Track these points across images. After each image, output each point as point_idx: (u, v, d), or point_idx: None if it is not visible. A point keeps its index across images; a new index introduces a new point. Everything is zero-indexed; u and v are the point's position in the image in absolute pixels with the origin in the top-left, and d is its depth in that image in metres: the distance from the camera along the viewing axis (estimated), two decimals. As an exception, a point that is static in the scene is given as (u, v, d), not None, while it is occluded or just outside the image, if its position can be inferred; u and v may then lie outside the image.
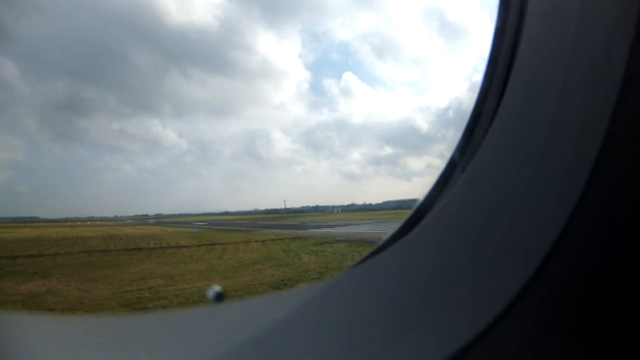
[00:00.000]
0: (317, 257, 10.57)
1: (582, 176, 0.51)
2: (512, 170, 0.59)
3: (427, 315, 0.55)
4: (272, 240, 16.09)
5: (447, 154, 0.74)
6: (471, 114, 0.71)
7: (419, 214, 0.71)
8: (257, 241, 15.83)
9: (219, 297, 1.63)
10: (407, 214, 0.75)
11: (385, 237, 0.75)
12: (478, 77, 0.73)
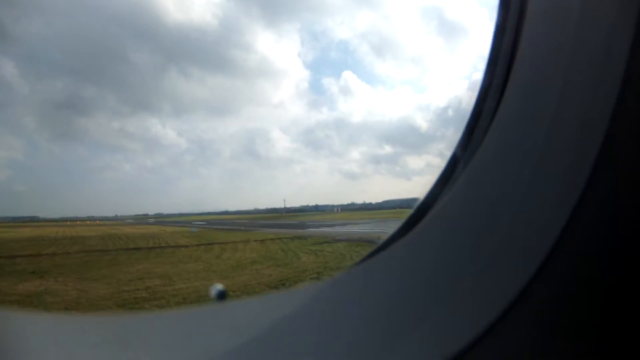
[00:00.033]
0: (316, 256, 10.56)
1: (582, 176, 0.51)
2: (512, 170, 0.59)
3: (427, 315, 0.55)
4: (271, 239, 16.06)
5: (447, 153, 0.74)
6: (471, 113, 0.71)
7: (419, 213, 0.71)
8: (256, 240, 15.81)
9: (222, 296, 1.63)
10: (407, 213, 0.75)
11: (385, 237, 0.75)
12: (478, 75, 0.73)
